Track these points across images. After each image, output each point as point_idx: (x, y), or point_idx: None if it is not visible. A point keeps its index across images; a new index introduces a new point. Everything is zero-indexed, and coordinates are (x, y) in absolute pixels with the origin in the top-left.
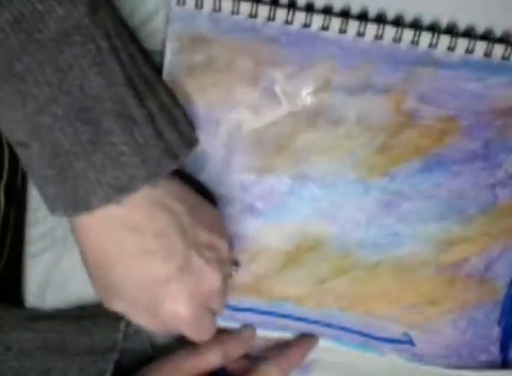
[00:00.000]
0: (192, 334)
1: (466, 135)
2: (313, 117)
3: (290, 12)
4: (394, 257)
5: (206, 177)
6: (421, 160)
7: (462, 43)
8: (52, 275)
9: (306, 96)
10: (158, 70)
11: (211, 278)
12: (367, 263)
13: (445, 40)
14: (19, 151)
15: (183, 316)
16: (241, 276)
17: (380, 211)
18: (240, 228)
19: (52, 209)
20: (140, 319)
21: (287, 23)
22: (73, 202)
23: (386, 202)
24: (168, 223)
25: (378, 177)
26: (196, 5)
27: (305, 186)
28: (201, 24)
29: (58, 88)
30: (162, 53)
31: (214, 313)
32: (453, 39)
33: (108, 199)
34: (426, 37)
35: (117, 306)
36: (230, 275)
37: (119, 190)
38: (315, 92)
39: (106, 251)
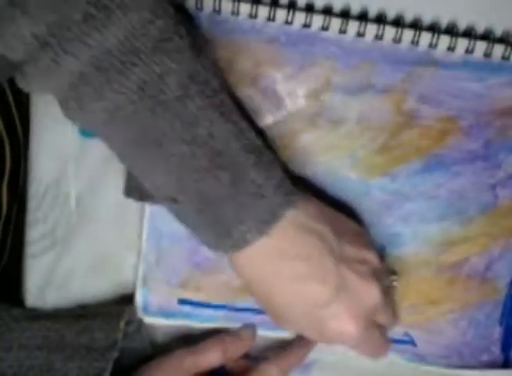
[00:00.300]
0: (364, 350)
1: (467, 136)
2: (313, 117)
3: (290, 13)
4: (395, 257)
5: None
6: (422, 160)
7: (462, 43)
8: (52, 275)
9: (306, 97)
10: None
11: (369, 291)
12: None
13: (445, 40)
14: (169, 207)
15: (349, 334)
16: None
17: (380, 212)
18: None
19: (215, 250)
20: (312, 337)
21: (287, 23)
22: (231, 241)
23: (387, 202)
24: (316, 245)
25: (379, 177)
26: (196, 7)
27: (307, 187)
28: (202, 25)
29: (192, 142)
30: None
31: (384, 328)
32: (453, 39)
33: (260, 232)
34: (426, 38)
35: (288, 328)
36: (391, 286)
37: (267, 222)
38: (315, 93)
39: (265, 281)
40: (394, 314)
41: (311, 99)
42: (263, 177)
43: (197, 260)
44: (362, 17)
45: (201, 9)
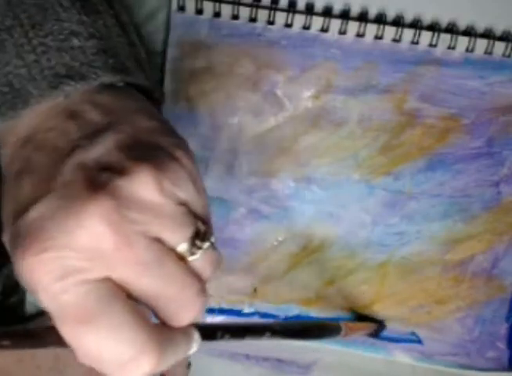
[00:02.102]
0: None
1: (469, 133)
2: (315, 119)
3: (290, 15)
4: (400, 257)
5: (210, 182)
6: (424, 159)
7: (462, 42)
8: None
9: (308, 99)
10: (159, 72)
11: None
12: (373, 263)
13: (445, 39)
14: None
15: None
16: (247, 280)
17: (384, 211)
18: (245, 232)
19: None
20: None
21: (287, 26)
22: (9, 98)
23: (390, 202)
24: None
25: (382, 177)
26: (197, 11)
27: (309, 188)
28: (201, 30)
29: None
30: (162, 54)
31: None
32: (453, 38)
33: (53, 87)
34: (426, 37)
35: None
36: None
37: (66, 79)
38: (317, 94)
39: (7, 166)
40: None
41: (313, 101)
42: (85, 26)
43: None
44: (362, 18)
45: (201, 13)
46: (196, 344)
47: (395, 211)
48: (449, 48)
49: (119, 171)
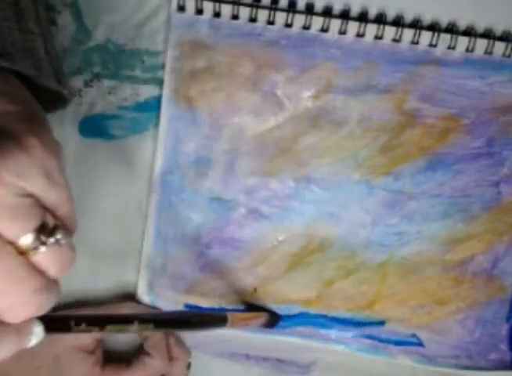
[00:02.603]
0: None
1: (469, 133)
2: (315, 119)
3: (290, 15)
4: (400, 257)
5: (210, 182)
6: (425, 159)
7: (462, 42)
8: None
9: (308, 99)
10: (159, 72)
11: None
12: (373, 263)
13: (445, 39)
14: None
15: None
16: (247, 280)
17: (384, 211)
18: (245, 232)
19: None
20: None
21: (287, 26)
22: None
23: (390, 202)
24: None
25: (382, 177)
26: (197, 11)
27: (309, 188)
28: (201, 30)
29: None
30: (162, 54)
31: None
32: (453, 38)
33: None
34: (426, 37)
35: None
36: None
37: None
38: (317, 94)
39: None
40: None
41: (313, 101)
42: None
43: (203, 264)
44: (362, 18)
45: (201, 13)
46: (35, 337)
47: (395, 211)
48: (449, 48)
49: None
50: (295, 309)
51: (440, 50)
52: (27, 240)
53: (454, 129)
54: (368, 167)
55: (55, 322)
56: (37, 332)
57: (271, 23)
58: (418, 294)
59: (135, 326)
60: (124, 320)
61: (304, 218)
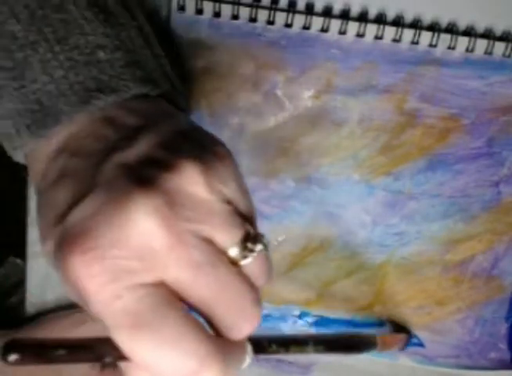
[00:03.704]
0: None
1: (470, 134)
2: (315, 119)
3: (290, 15)
4: (400, 257)
5: None
6: (425, 159)
7: (462, 42)
8: (52, 275)
9: (308, 99)
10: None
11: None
12: (373, 264)
13: (445, 39)
14: None
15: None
16: None
17: (384, 211)
18: None
19: (11, 139)
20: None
21: (287, 26)
22: (39, 116)
23: (390, 202)
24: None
25: (382, 177)
26: (197, 11)
27: (309, 188)
28: (202, 30)
29: None
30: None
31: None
32: (453, 38)
33: (84, 102)
34: (426, 37)
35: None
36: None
37: (97, 93)
38: (317, 95)
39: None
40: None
41: (313, 101)
42: (110, 38)
43: None
44: (362, 18)
45: (201, 13)
46: (249, 357)
47: (395, 211)
48: (449, 48)
49: (165, 166)
50: (295, 310)
51: (440, 50)
52: (236, 249)
53: (454, 129)
54: (368, 167)
55: (253, 342)
56: (249, 350)
57: (271, 23)
58: (418, 295)
59: (311, 347)
60: (303, 341)
61: (304, 219)
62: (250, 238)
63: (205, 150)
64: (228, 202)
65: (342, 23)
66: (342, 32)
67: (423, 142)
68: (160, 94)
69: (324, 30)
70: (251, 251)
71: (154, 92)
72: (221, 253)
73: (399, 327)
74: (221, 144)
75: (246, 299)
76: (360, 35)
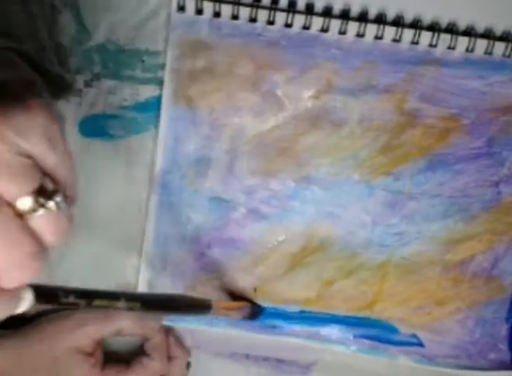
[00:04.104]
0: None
1: (470, 134)
2: (315, 119)
3: (290, 15)
4: (400, 257)
5: (210, 182)
6: (425, 159)
7: (462, 42)
8: (52, 275)
9: (308, 99)
10: (160, 72)
11: None
12: (373, 264)
13: (445, 39)
14: None
15: None
16: (247, 280)
17: (384, 211)
18: (245, 232)
19: None
20: None
21: (287, 26)
22: None
23: (390, 202)
24: None
25: (382, 177)
26: (197, 11)
27: (309, 188)
28: (201, 30)
29: None
30: (162, 54)
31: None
32: (453, 38)
33: None
34: (426, 37)
35: None
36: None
37: None
38: (317, 95)
39: None
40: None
41: (313, 101)
42: None
43: (203, 264)
44: (362, 18)
45: (201, 13)
46: (25, 303)
47: (395, 211)
48: (449, 48)
49: None
50: (295, 309)
51: (440, 50)
52: (25, 202)
53: (454, 129)
54: (368, 167)
55: (44, 292)
56: (28, 298)
57: (271, 23)
58: (418, 295)
59: (123, 303)
60: (112, 296)
61: (304, 218)
62: (45, 193)
63: (13, 98)
64: (29, 156)
65: (342, 23)
66: (342, 32)
67: (423, 142)
68: (20, 50)
69: (324, 30)
70: (42, 205)
71: (11, 45)
72: (5, 204)
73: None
74: (39, 98)
75: (22, 250)
76: (360, 35)
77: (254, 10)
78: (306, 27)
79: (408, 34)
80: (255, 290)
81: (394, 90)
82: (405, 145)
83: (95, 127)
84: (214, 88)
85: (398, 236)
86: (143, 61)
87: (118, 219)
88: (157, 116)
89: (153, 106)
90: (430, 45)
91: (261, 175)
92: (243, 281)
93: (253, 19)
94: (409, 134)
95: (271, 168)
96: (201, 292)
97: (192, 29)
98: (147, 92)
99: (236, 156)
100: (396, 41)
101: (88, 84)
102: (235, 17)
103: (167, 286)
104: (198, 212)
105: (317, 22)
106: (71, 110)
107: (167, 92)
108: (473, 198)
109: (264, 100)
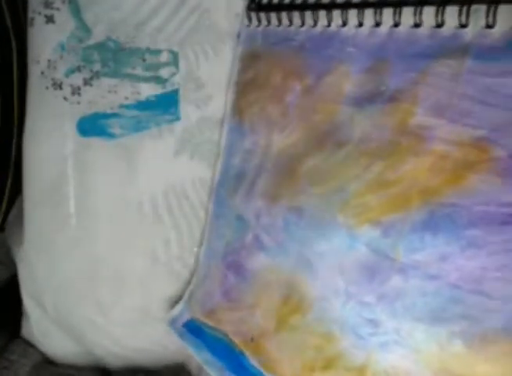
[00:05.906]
0: None
1: (503, 176)
2: (322, 136)
3: (315, 13)
4: (382, 368)
5: (239, 198)
6: (425, 209)
7: (505, 14)
8: (54, 278)
9: (319, 111)
10: (160, 70)
11: None
12: (352, 364)
13: (480, 13)
14: None
15: None
16: (249, 324)
17: (360, 280)
18: (250, 261)
19: None
20: None
21: (314, 25)
22: None
23: (371, 267)
24: None
25: (367, 227)
26: (258, 23)
27: (298, 223)
28: (257, 41)
29: None
30: (163, 53)
31: None
32: (492, 9)
33: None
34: (453, 14)
35: None
36: None
37: None
38: (328, 106)
39: None
40: None
41: (323, 115)
42: None
43: (225, 289)
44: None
45: (259, 25)
46: None
47: (373, 284)
48: (487, 26)
49: None
50: None
51: (472, 31)
52: None
53: (479, 165)
54: (354, 207)
55: None
56: None
57: (302, 24)
58: None
59: None
60: None
61: (289, 260)
62: None
63: None
64: None
65: (359, 13)
66: (360, 23)
67: (427, 182)
68: None
69: (343, 23)
70: None
71: None
72: None
73: None
74: None
75: None
76: (377, 24)
77: (291, 13)
78: (327, 25)
79: (430, 12)
80: (252, 339)
81: (401, 97)
82: (403, 182)
83: (95, 126)
84: (254, 100)
85: (373, 326)
86: (144, 59)
87: (118, 219)
88: (159, 114)
89: (153, 105)
90: (460, 26)
91: (267, 198)
92: (248, 323)
93: (291, 23)
94: (410, 165)
95: (276, 192)
96: (217, 319)
97: (252, 41)
98: (148, 90)
99: (259, 173)
100: (416, 25)
101: (87, 82)
102: (280, 23)
103: (199, 301)
104: (228, 229)
105: (337, 16)
106: (70, 108)
107: (229, 104)
108: (493, 301)
109: (285, 113)
